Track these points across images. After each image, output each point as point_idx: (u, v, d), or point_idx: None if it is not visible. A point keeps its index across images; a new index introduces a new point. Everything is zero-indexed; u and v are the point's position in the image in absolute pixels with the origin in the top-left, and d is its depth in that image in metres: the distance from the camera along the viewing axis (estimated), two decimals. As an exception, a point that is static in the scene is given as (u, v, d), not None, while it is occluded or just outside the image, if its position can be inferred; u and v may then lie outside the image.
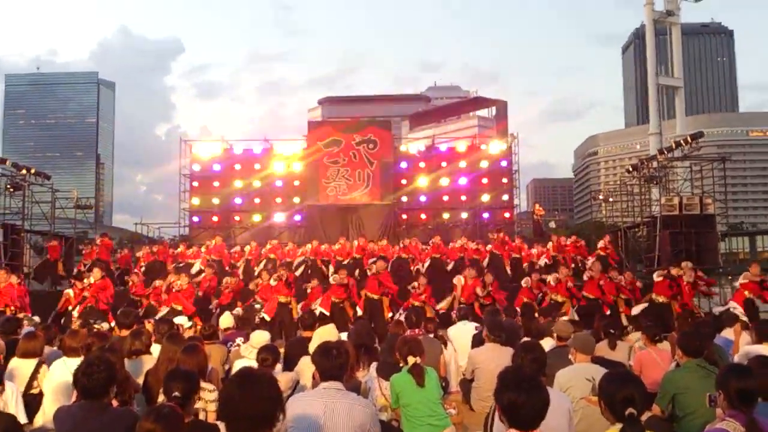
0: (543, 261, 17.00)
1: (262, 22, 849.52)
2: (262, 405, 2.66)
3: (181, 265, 17.02)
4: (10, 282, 12.71)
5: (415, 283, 13.59)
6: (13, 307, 12.06)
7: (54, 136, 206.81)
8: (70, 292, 13.40)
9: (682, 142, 18.72)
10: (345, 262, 16.57)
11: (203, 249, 18.34)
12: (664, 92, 43.17)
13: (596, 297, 13.29)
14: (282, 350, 6.53)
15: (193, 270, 16.39)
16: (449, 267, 16.68)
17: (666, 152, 19.28)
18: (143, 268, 17.02)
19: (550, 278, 13.87)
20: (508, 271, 16.87)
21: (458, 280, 13.59)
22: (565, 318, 8.99)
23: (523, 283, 14.10)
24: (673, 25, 41.95)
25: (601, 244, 18.33)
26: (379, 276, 13.50)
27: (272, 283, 13.27)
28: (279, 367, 5.82)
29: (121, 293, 15.07)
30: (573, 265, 16.39)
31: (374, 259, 15.03)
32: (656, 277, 13.12)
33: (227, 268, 17.13)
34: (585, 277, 13.90)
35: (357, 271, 16.33)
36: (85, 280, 13.20)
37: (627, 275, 14.28)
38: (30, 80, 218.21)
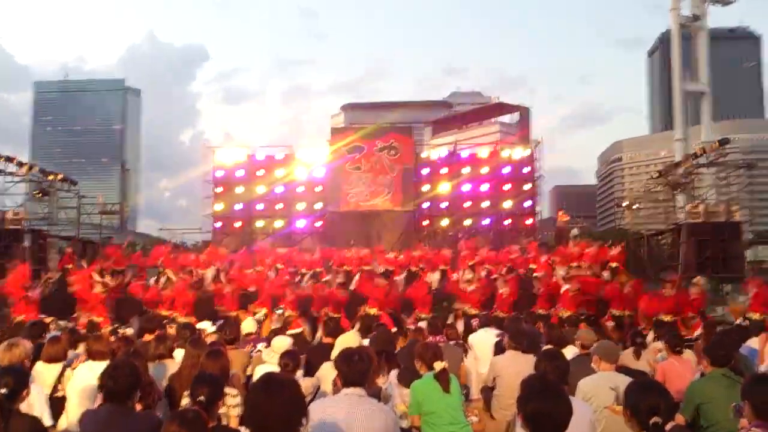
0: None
1: (286, 28, 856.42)
2: (286, 410, 2.67)
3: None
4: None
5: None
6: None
7: (81, 143, 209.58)
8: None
9: (707, 148, 18.51)
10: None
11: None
12: (690, 98, 42.64)
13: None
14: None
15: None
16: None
17: (692, 158, 19.07)
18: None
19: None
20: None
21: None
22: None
23: None
24: (700, 30, 41.46)
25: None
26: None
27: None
28: (300, 372, 5.84)
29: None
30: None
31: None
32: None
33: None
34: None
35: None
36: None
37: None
38: (58, 87, 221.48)
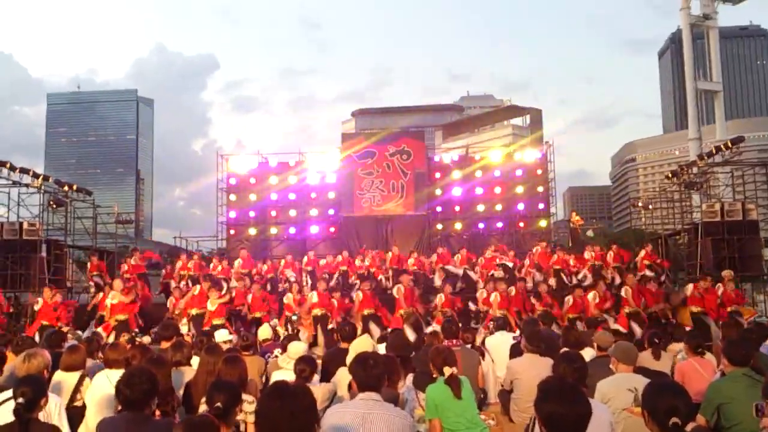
0: (583, 274, 16.73)
1: (293, 38, 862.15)
2: (298, 418, 2.66)
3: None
4: (55, 300, 13.08)
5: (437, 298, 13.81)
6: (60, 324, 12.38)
7: (95, 153, 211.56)
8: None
9: (722, 147, 18.32)
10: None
11: (237, 263, 18.46)
12: (702, 97, 42.35)
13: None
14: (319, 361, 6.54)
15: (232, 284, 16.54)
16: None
17: (706, 158, 18.89)
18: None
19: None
20: (553, 283, 16.53)
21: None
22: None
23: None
24: (711, 29, 41.25)
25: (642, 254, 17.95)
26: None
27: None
28: (316, 378, 5.83)
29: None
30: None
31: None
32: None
33: (255, 278, 17.28)
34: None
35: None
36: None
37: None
38: (71, 99, 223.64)
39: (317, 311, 13.52)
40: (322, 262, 18.57)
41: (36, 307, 13.13)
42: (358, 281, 16.38)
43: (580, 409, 2.75)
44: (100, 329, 12.34)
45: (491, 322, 10.35)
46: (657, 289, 14.32)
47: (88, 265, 18.26)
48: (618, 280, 15.62)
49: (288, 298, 14.39)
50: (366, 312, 13.52)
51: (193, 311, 13.52)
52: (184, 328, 12.64)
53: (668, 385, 3.41)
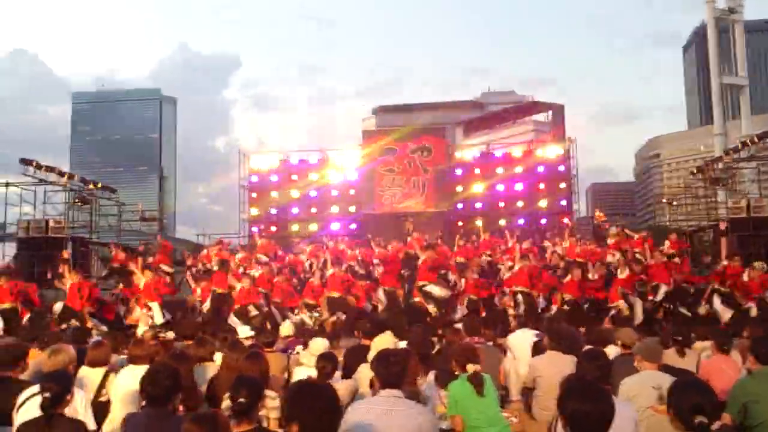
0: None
1: (306, 37, 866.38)
2: (323, 414, 2.67)
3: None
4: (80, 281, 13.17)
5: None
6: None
7: (119, 152, 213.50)
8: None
9: (748, 142, 18.08)
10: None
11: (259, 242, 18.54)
12: (728, 91, 41.76)
13: None
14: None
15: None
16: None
17: (732, 153, 18.65)
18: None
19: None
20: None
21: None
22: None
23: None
24: (736, 23, 40.65)
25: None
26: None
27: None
28: (338, 374, 5.84)
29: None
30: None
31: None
32: None
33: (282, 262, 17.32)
34: None
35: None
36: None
37: None
38: (95, 98, 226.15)
39: (334, 294, 13.45)
40: (341, 246, 18.57)
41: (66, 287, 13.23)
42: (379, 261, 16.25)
43: (604, 407, 2.72)
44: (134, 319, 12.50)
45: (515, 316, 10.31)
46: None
47: (111, 254, 18.49)
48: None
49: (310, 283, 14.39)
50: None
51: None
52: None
53: (693, 383, 3.37)
